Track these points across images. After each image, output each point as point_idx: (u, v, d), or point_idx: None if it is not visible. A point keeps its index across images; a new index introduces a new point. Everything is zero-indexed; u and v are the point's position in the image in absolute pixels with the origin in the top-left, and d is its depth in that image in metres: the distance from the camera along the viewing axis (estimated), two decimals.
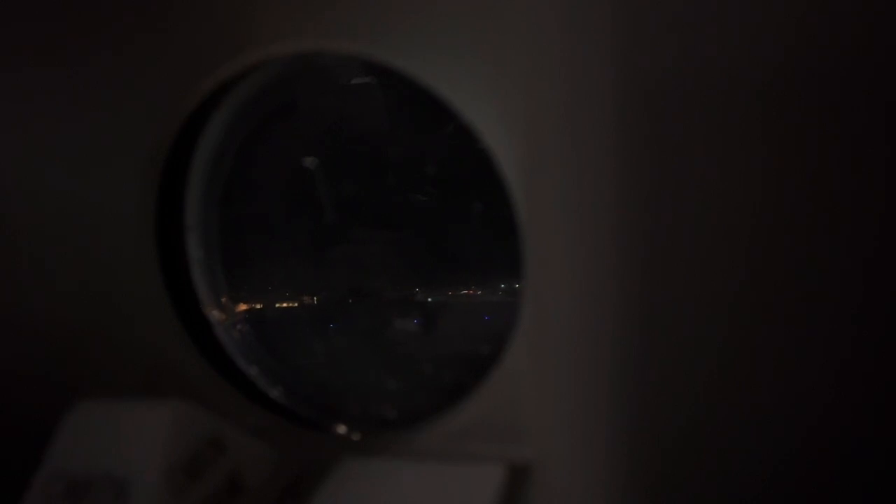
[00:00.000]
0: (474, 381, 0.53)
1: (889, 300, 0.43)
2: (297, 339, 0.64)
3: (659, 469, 0.47)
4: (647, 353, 0.46)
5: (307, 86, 0.61)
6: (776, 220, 0.44)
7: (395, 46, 0.49)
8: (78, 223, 0.57)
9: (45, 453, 0.45)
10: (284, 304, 0.64)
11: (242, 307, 0.63)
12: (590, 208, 0.46)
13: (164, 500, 0.43)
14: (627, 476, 0.47)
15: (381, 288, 0.63)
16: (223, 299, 0.61)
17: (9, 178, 0.57)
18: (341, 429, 0.59)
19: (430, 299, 0.63)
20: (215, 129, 0.58)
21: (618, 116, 0.44)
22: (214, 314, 0.60)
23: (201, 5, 0.53)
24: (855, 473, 0.46)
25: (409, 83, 0.51)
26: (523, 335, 0.49)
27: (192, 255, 0.59)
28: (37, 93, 0.56)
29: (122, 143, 0.55)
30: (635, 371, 0.47)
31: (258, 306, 0.64)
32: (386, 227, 0.62)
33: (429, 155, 0.62)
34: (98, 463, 0.44)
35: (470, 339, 0.61)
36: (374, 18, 0.49)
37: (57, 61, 0.55)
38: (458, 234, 0.61)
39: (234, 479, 0.48)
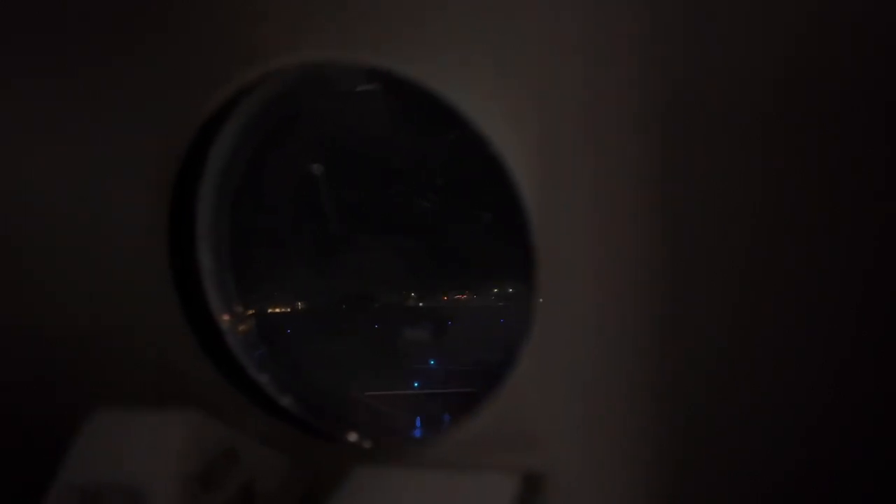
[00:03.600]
0: (485, 388, 0.53)
1: None
2: (308, 347, 0.64)
3: (673, 474, 0.47)
4: (660, 360, 0.47)
5: (315, 95, 0.62)
6: (792, 223, 0.44)
7: (404, 54, 0.49)
8: (91, 232, 0.57)
9: (60, 463, 0.46)
10: (295, 312, 0.65)
11: (252, 315, 0.64)
12: (603, 215, 0.46)
13: None
14: (643, 482, 0.47)
15: (391, 295, 0.64)
16: (233, 307, 0.62)
17: (24, 188, 0.58)
18: (352, 437, 0.59)
19: (437, 305, 0.64)
20: (226, 140, 0.58)
21: (633, 121, 0.45)
22: (225, 322, 0.61)
23: (211, 18, 0.53)
24: (872, 474, 0.46)
25: (415, 90, 0.52)
26: (535, 342, 0.49)
27: (202, 263, 0.60)
28: (52, 105, 0.57)
29: (134, 153, 0.56)
30: (649, 377, 0.47)
31: (268, 313, 0.64)
32: (395, 234, 0.63)
33: (436, 161, 0.63)
34: (114, 474, 0.44)
35: (481, 347, 0.62)
36: (383, 27, 0.50)
37: (71, 75, 0.56)
38: (467, 240, 0.61)
39: (248, 489, 0.49)
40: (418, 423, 0.63)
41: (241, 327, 0.62)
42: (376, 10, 0.50)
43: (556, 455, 0.50)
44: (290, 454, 0.54)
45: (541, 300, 0.50)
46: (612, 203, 0.47)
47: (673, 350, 0.47)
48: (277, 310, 0.66)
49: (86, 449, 0.46)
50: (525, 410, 0.51)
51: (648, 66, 0.44)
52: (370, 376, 0.64)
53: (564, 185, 0.47)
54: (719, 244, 0.45)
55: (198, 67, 0.54)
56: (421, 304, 0.65)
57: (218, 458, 0.47)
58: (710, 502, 0.48)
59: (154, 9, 0.54)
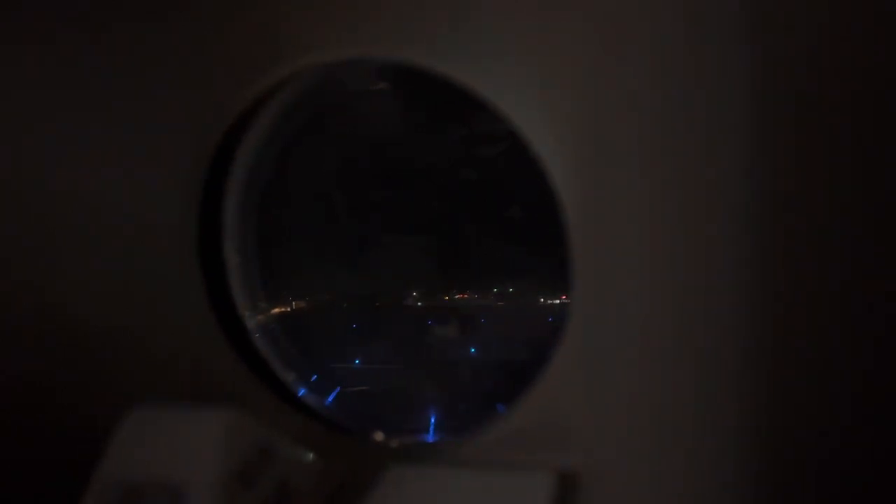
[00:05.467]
0: (516, 387, 0.53)
1: None
2: (334, 345, 0.64)
3: (709, 471, 0.47)
4: (697, 357, 0.46)
5: (333, 95, 0.62)
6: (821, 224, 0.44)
7: (442, 51, 0.49)
8: (121, 231, 0.57)
9: (98, 461, 0.45)
10: (321, 310, 0.65)
11: (278, 313, 0.63)
12: (641, 211, 0.46)
13: None
14: (681, 480, 0.47)
15: (418, 293, 0.64)
16: (260, 305, 0.62)
17: (51, 187, 0.58)
18: (379, 436, 0.59)
19: (463, 304, 0.64)
20: (254, 139, 0.58)
21: (675, 119, 0.45)
22: (251, 319, 0.61)
23: (238, 17, 0.53)
24: None
25: (426, 87, 0.52)
26: (570, 338, 0.49)
27: (229, 260, 0.59)
28: (80, 105, 0.57)
29: (163, 153, 0.56)
30: (685, 374, 0.47)
31: (294, 311, 0.64)
32: (420, 233, 0.63)
33: (446, 159, 0.63)
34: (154, 470, 0.44)
35: (509, 346, 0.62)
36: (421, 24, 0.49)
37: (99, 75, 0.56)
38: (473, 240, 0.61)
39: (284, 487, 0.48)
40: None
41: (268, 324, 0.62)
42: (410, 6, 0.50)
43: (593, 453, 0.49)
44: (317, 452, 0.54)
45: (576, 298, 0.49)
46: (651, 200, 0.47)
47: (710, 346, 0.47)
48: (305, 307, 0.65)
49: (125, 446, 0.45)
50: (560, 408, 0.50)
51: (699, 66, 0.44)
52: (400, 375, 0.64)
53: (603, 184, 0.47)
54: (771, 253, 0.45)
55: (226, 66, 0.54)
56: (419, 304, 0.64)
57: (255, 454, 0.47)
58: (748, 499, 0.48)
59: (182, 9, 0.54)
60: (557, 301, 0.61)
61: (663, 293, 0.47)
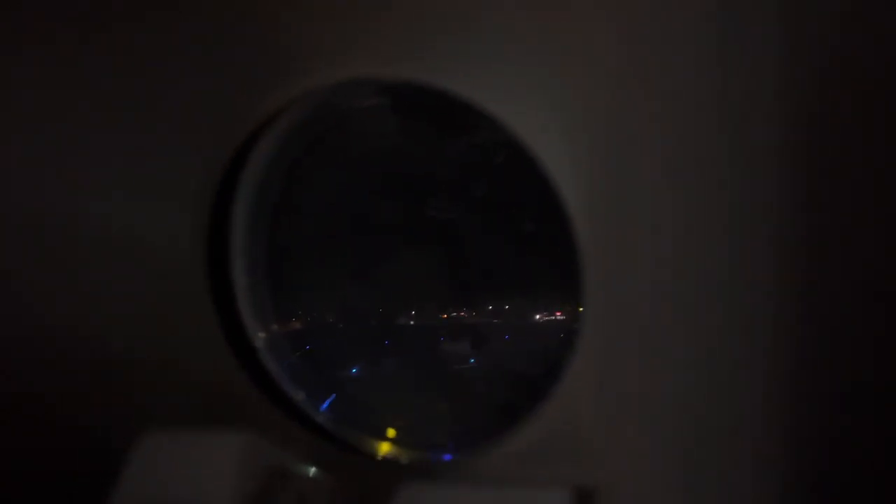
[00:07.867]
0: (529, 403, 0.53)
1: None
2: (344, 363, 0.64)
3: (724, 488, 0.47)
4: (711, 372, 0.46)
5: (345, 114, 0.62)
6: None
7: (447, 68, 0.49)
8: (130, 254, 0.57)
9: (113, 486, 0.45)
10: (329, 328, 0.64)
11: (287, 330, 0.63)
12: (653, 224, 0.46)
13: None
14: (698, 495, 0.47)
15: (428, 309, 0.63)
16: (268, 324, 0.61)
17: (61, 209, 0.58)
18: (392, 453, 0.59)
19: (433, 324, 0.63)
20: (262, 158, 0.58)
21: (688, 128, 0.45)
22: (260, 338, 0.60)
23: (248, 36, 0.53)
24: None
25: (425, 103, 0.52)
26: (584, 355, 0.49)
27: (237, 280, 0.59)
28: (87, 122, 0.57)
29: (172, 173, 0.56)
30: (701, 388, 0.47)
31: (302, 329, 0.64)
32: (430, 249, 0.62)
33: (445, 174, 0.62)
34: (169, 496, 0.43)
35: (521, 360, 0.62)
36: (427, 43, 0.49)
37: (112, 96, 0.56)
38: (504, 254, 0.61)
39: None
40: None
41: (276, 343, 0.62)
42: (419, 25, 0.50)
43: (609, 467, 0.49)
44: (331, 471, 0.54)
45: (589, 311, 0.49)
46: (663, 211, 0.47)
47: (725, 358, 0.47)
48: (314, 326, 0.65)
49: (139, 471, 0.45)
50: (574, 422, 0.50)
51: (711, 74, 0.44)
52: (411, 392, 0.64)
53: (614, 193, 0.47)
54: (777, 256, 0.45)
55: (233, 87, 0.54)
56: (412, 323, 0.64)
57: (270, 477, 0.46)
58: None
59: (190, 29, 0.54)
60: (553, 318, 0.60)
61: (677, 306, 0.47)
